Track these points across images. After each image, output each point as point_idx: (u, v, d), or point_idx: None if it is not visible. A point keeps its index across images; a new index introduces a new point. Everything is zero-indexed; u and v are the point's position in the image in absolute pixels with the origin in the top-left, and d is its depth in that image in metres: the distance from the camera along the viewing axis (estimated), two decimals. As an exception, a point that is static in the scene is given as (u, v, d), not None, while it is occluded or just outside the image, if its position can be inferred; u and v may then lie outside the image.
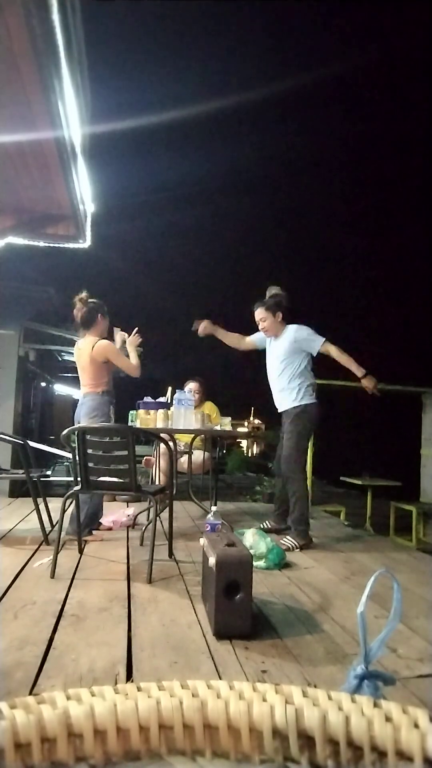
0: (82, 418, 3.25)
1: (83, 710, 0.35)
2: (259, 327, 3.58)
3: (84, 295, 3.40)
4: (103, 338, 3.38)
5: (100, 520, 3.50)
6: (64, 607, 2.11)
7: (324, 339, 3.41)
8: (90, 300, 3.40)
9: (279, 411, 3.57)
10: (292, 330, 3.48)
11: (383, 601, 2.03)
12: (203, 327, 3.64)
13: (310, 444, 5.79)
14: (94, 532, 3.34)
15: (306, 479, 3.49)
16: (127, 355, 3.42)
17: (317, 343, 3.41)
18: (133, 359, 3.37)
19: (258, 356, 3.78)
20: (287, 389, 3.45)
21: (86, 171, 3.98)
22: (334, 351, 3.39)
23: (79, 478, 2.63)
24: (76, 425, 2.91)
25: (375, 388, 3.36)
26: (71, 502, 2.92)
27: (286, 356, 3.46)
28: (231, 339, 3.75)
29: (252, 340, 3.73)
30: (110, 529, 3.53)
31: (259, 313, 3.53)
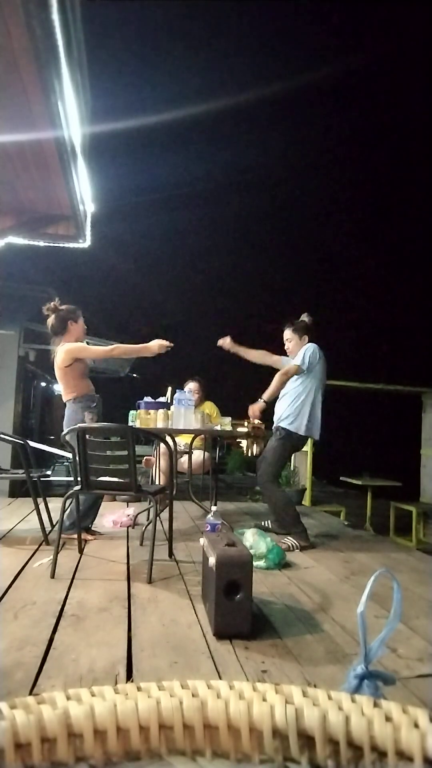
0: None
1: (83, 710, 0.35)
2: (285, 346, 3.66)
3: (53, 303, 3.35)
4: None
5: (96, 527, 3.45)
6: (64, 607, 2.11)
7: (298, 364, 3.42)
8: (60, 307, 3.35)
9: (274, 422, 3.60)
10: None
11: (383, 601, 2.03)
12: (226, 342, 3.66)
13: (310, 445, 5.82)
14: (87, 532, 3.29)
15: (279, 488, 3.57)
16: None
17: (296, 359, 3.46)
18: (132, 346, 3.33)
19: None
20: (288, 407, 3.48)
21: (86, 171, 3.99)
22: (287, 369, 3.47)
23: (79, 478, 2.62)
24: (74, 426, 2.90)
25: (254, 416, 3.45)
26: (71, 502, 2.93)
27: (296, 377, 3.49)
28: (254, 355, 3.72)
29: (281, 360, 3.70)
30: (94, 537, 3.35)
31: (286, 334, 3.63)
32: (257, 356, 3.70)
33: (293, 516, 3.36)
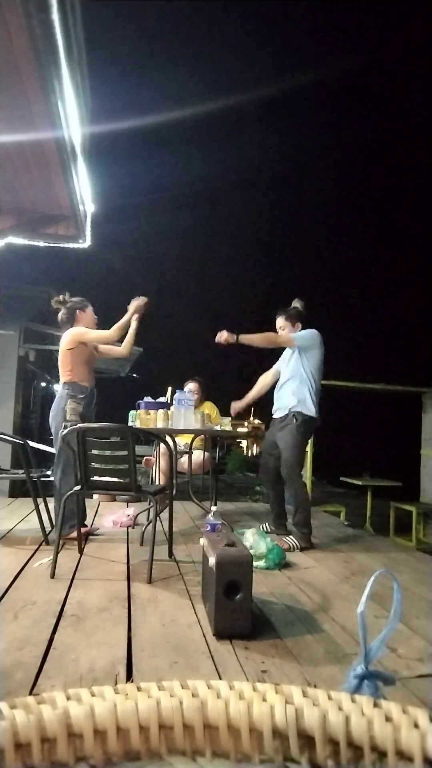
0: None
1: (83, 710, 0.35)
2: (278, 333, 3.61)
3: (61, 296, 3.44)
4: None
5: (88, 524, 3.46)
6: (64, 607, 2.11)
7: (291, 337, 3.42)
8: (69, 300, 3.43)
9: (276, 413, 3.56)
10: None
11: (383, 601, 2.03)
12: (223, 337, 3.36)
13: (310, 445, 5.82)
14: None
15: (304, 483, 3.49)
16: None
17: (293, 334, 3.45)
18: (122, 320, 3.31)
19: (259, 358, 3.76)
20: (291, 393, 3.45)
21: (86, 171, 3.99)
22: (280, 336, 3.49)
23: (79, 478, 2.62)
24: (74, 426, 2.90)
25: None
26: (71, 502, 2.92)
27: (294, 360, 3.49)
28: (260, 340, 3.43)
29: (291, 339, 3.53)
30: (89, 533, 3.35)
31: (279, 321, 3.59)
32: (263, 340, 3.43)
33: (308, 515, 3.34)
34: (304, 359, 3.44)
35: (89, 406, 3.31)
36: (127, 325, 3.36)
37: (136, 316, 3.39)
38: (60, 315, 3.44)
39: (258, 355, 3.80)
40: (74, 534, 2.98)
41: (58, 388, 3.40)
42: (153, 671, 1.59)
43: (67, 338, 3.31)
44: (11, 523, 3.73)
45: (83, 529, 3.24)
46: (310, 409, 3.39)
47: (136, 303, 3.39)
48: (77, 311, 3.41)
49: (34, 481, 3.20)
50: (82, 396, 3.24)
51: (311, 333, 3.47)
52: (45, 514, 3.26)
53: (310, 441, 5.53)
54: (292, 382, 3.45)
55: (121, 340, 3.44)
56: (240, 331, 3.40)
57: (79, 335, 3.30)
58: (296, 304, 3.66)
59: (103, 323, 3.50)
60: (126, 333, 3.39)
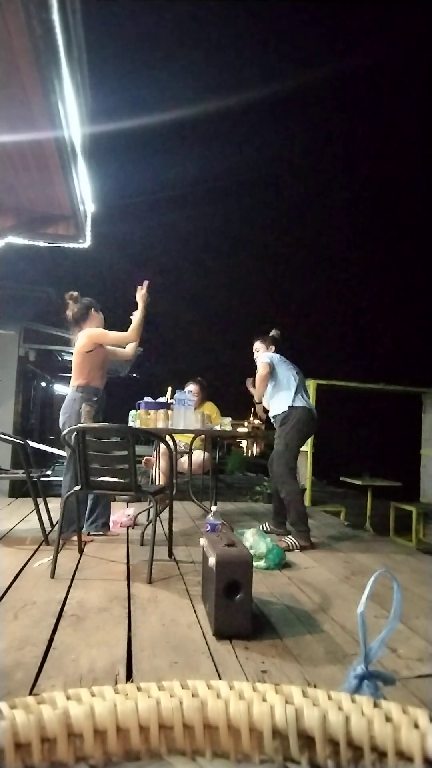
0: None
1: (83, 710, 0.35)
2: (254, 356, 3.92)
3: (74, 293, 3.42)
4: None
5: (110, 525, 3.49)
6: (64, 607, 2.11)
7: (264, 362, 3.67)
8: (82, 298, 3.43)
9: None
10: None
11: (383, 601, 2.03)
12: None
13: (310, 445, 5.82)
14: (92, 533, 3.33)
15: (296, 480, 3.55)
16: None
17: (258, 361, 3.73)
18: (136, 319, 3.32)
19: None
20: (274, 405, 3.67)
21: (86, 171, 3.98)
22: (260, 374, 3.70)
23: (79, 478, 2.62)
24: (74, 426, 2.89)
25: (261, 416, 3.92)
26: (72, 502, 2.92)
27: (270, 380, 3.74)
28: (257, 391, 3.86)
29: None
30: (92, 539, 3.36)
31: (256, 345, 3.93)
32: (258, 389, 3.82)
33: (301, 513, 3.37)
34: (275, 374, 3.66)
35: (102, 408, 3.32)
36: (141, 322, 3.35)
37: (144, 306, 3.38)
38: (71, 312, 3.38)
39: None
40: (75, 537, 2.98)
41: (68, 390, 3.38)
42: (153, 671, 1.59)
43: (84, 340, 3.25)
44: (11, 523, 3.73)
45: (87, 537, 3.22)
46: (290, 403, 3.54)
47: (143, 293, 3.38)
48: (92, 310, 3.39)
49: (34, 481, 3.20)
50: (95, 399, 3.24)
51: (266, 356, 3.72)
52: (45, 514, 3.26)
53: (309, 441, 5.56)
54: (272, 395, 3.68)
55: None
56: (239, 330, 3.56)
57: (98, 337, 3.26)
58: (274, 333, 3.99)
59: (105, 324, 3.48)
60: (137, 328, 3.36)
